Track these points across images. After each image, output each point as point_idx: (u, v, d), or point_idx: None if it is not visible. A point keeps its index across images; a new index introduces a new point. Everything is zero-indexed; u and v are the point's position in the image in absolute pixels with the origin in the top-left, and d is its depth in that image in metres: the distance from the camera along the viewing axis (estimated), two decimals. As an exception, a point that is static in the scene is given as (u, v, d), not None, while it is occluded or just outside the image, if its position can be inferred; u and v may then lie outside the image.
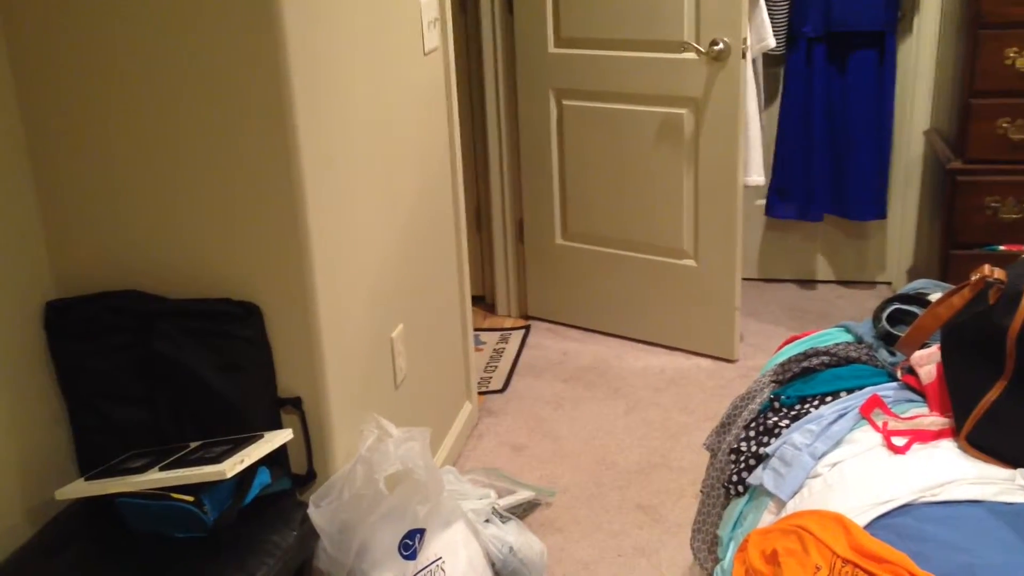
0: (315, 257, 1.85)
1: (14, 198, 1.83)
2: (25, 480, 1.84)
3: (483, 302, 3.78)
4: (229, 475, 1.69)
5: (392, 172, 2.24)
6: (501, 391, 3.17)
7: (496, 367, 3.33)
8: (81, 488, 1.82)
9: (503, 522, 2.18)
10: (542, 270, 3.62)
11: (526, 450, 2.80)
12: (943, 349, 1.54)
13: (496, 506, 2.22)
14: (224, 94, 1.74)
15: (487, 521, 2.13)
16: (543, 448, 2.81)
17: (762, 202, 3.71)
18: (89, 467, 1.91)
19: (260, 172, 1.78)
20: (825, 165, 3.55)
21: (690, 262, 3.26)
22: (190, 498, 1.69)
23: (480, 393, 3.08)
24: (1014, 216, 2.96)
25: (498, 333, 3.59)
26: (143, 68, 1.76)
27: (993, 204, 2.96)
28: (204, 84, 1.74)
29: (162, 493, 1.73)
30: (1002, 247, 3.00)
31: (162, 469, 1.76)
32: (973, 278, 1.49)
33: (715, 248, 3.18)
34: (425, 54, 2.42)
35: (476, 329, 3.38)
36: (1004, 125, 2.91)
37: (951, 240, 3.05)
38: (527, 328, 3.63)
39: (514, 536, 2.11)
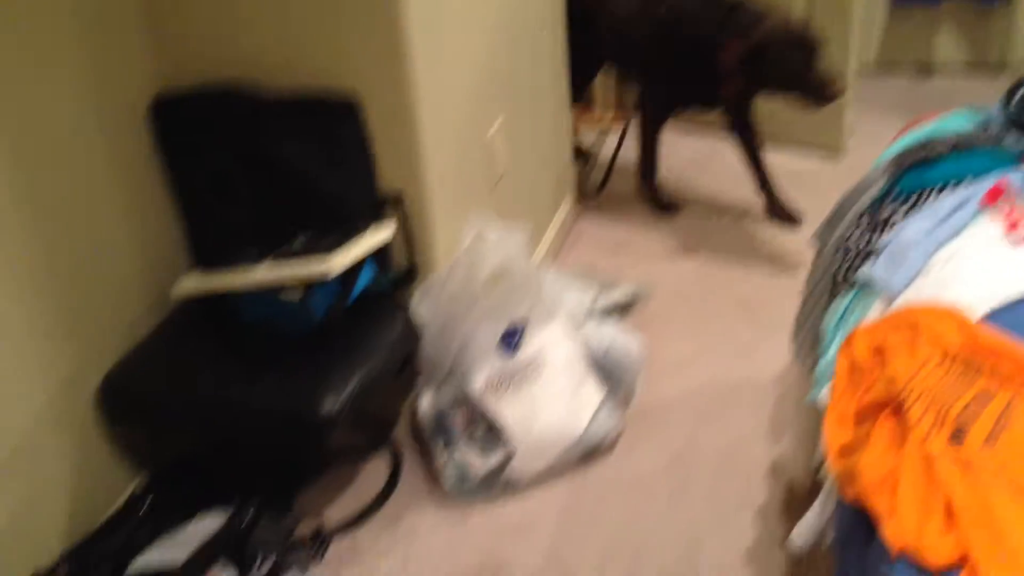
0: (414, 49, 1.80)
1: None
2: (143, 275, 1.91)
3: (580, 100, 3.66)
4: (334, 274, 1.72)
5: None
6: (600, 189, 3.13)
7: (594, 164, 3.27)
8: (195, 283, 1.89)
9: (603, 320, 2.19)
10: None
11: (624, 249, 2.78)
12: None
13: (595, 303, 2.23)
14: None
15: (587, 318, 2.14)
16: (641, 247, 2.78)
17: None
18: (202, 260, 1.98)
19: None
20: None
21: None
22: (298, 295, 1.74)
23: (578, 190, 3.04)
24: None
25: (596, 131, 3.50)
26: None
27: None
28: None
29: (272, 290, 1.78)
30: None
31: (271, 264, 1.81)
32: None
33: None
34: None
35: (574, 126, 3.29)
36: None
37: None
38: (625, 125, 3.52)
39: (612, 333, 2.13)
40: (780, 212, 2.77)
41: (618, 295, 2.44)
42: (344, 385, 1.72)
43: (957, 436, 1.04)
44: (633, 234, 2.85)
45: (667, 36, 2.62)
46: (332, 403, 1.68)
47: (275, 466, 1.88)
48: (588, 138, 3.43)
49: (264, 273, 1.78)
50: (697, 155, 3.27)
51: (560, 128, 2.80)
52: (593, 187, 3.13)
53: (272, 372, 1.78)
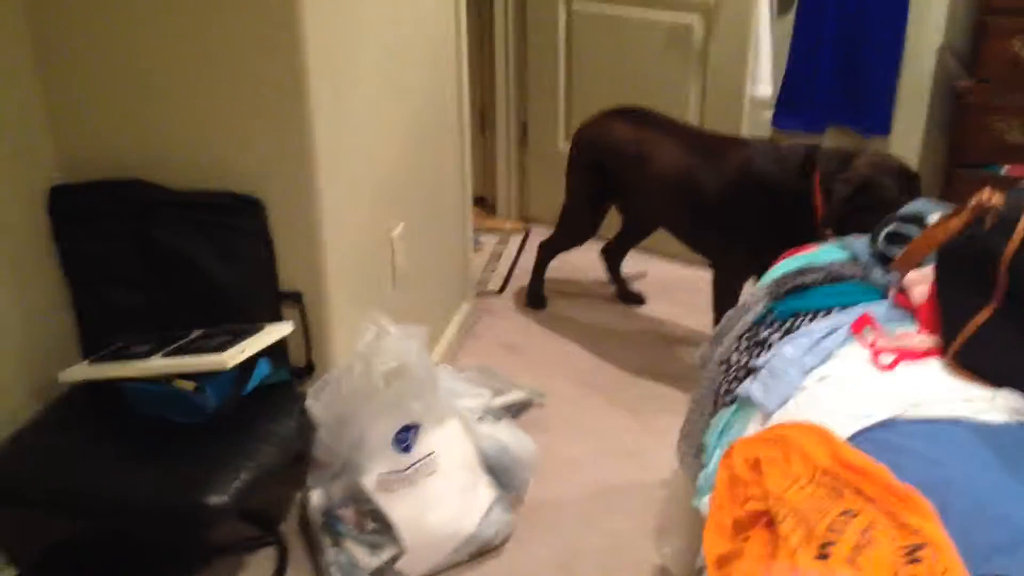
0: (319, 152, 1.85)
1: (18, 82, 1.82)
2: (29, 361, 1.88)
3: (484, 204, 3.78)
4: (230, 365, 1.72)
5: (397, 71, 2.22)
6: (499, 292, 3.21)
7: (495, 269, 3.36)
8: (85, 371, 1.86)
9: (496, 421, 2.23)
10: (544, 173, 3.61)
11: (521, 351, 2.85)
12: (937, 271, 1.56)
13: (490, 405, 2.28)
14: None
15: (480, 419, 2.18)
16: (538, 350, 2.86)
17: (768, 114, 3.67)
18: (92, 351, 1.95)
19: (266, 66, 1.77)
20: (835, 78, 3.51)
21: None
22: (192, 385, 1.73)
23: (478, 293, 3.11)
24: (1018, 138, 2.95)
25: (498, 235, 3.61)
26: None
27: (999, 124, 2.95)
28: None
29: (165, 379, 1.77)
30: (1005, 168, 3.00)
31: (164, 355, 1.80)
32: (971, 202, 1.50)
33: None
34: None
35: (476, 230, 3.39)
36: (1017, 46, 2.87)
37: (955, 159, 3.05)
38: (527, 231, 3.64)
39: (506, 434, 2.17)
40: None
41: (513, 396, 2.50)
42: (233, 477, 1.70)
43: (823, 551, 1.12)
44: (531, 336, 2.93)
45: (746, 199, 2.47)
46: (219, 495, 1.66)
47: (159, 558, 1.83)
48: (490, 241, 3.53)
49: (157, 363, 1.77)
50: (597, 265, 3.38)
51: (461, 231, 2.88)
52: (494, 290, 3.21)
53: (160, 462, 1.75)
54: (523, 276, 3.29)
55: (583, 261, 3.39)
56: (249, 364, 1.80)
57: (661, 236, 3.13)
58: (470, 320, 2.97)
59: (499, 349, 2.86)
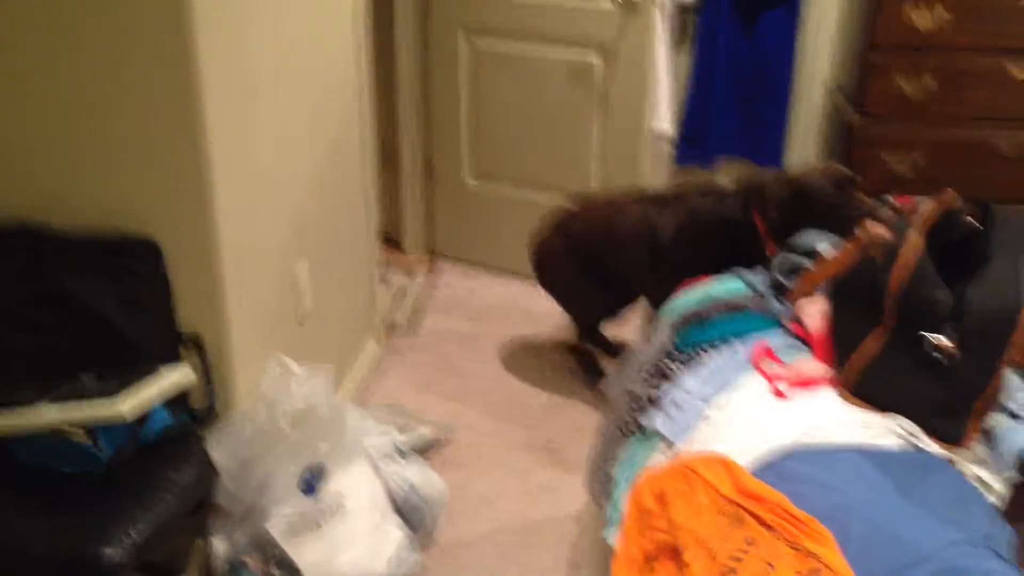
0: (217, 192, 1.81)
1: None
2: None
3: (390, 240, 3.76)
4: (129, 418, 1.67)
5: (299, 106, 2.20)
6: (406, 329, 3.19)
7: (402, 305, 3.34)
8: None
9: (405, 459, 2.21)
10: (450, 209, 3.62)
11: (430, 388, 2.83)
12: (830, 301, 1.62)
13: (398, 443, 2.25)
14: (125, 22, 1.68)
15: (389, 458, 2.15)
16: (448, 386, 2.84)
17: (669, 148, 3.76)
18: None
19: (161, 104, 1.73)
20: (730, 113, 3.62)
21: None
22: (85, 437, 1.67)
23: (385, 331, 3.09)
24: (905, 171, 3.08)
25: (404, 271, 3.59)
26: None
27: (887, 158, 3.08)
28: (105, 11, 1.68)
29: (54, 430, 1.70)
30: (892, 199, 3.13)
31: (54, 401, 1.73)
32: (858, 235, 1.56)
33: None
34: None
35: (382, 267, 3.36)
36: (900, 82, 3.01)
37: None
38: (434, 266, 3.63)
39: (415, 473, 2.15)
40: None
41: (422, 433, 2.47)
42: (131, 529, 1.64)
43: (726, 579, 1.13)
44: (440, 373, 2.91)
45: (695, 239, 2.52)
46: (115, 548, 1.60)
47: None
48: (398, 279, 3.51)
49: (47, 412, 1.70)
50: (505, 300, 3.40)
51: (367, 268, 2.86)
52: (401, 327, 3.19)
53: (52, 514, 1.67)
54: (431, 311, 3.28)
55: (502, 298, 3.40)
56: (143, 412, 1.74)
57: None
58: (378, 358, 2.95)
59: (408, 386, 2.84)
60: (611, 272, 2.68)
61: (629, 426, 1.72)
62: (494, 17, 3.23)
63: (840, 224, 2.30)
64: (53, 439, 1.69)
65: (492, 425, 2.64)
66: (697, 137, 3.67)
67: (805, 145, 3.71)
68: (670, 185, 2.70)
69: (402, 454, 2.22)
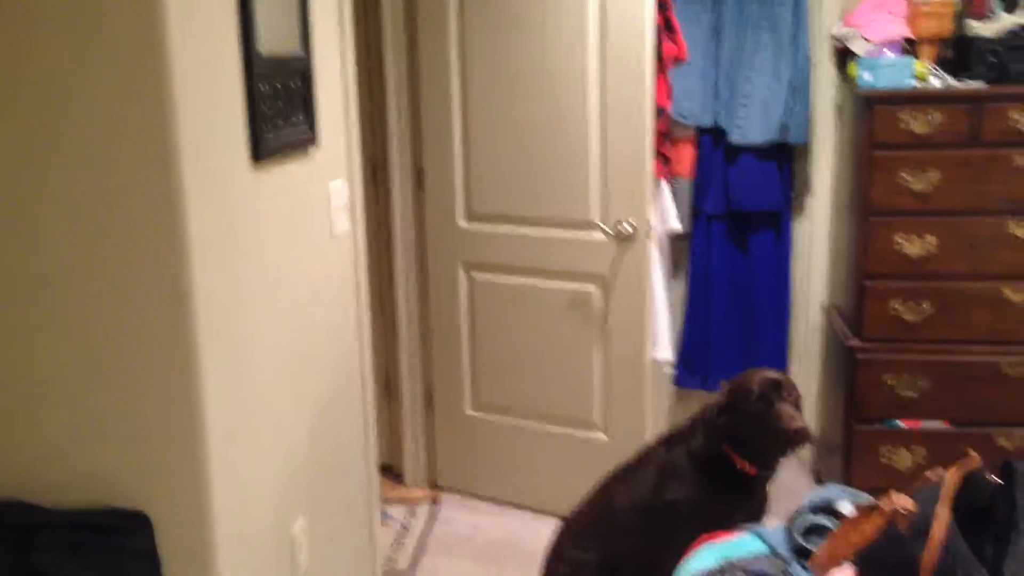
0: (211, 460, 1.75)
1: None
2: None
3: (391, 472, 3.68)
4: None
5: (298, 356, 2.18)
6: (407, 572, 3.05)
7: (403, 543, 3.22)
8: None
9: None
10: (452, 440, 3.56)
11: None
12: (858, 573, 1.54)
13: None
14: (118, 268, 1.66)
15: None
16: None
17: (672, 370, 3.75)
18: None
19: (155, 372, 1.69)
20: (729, 338, 3.63)
21: (600, 435, 3.25)
22: None
23: (385, 573, 2.95)
24: (910, 393, 3.06)
25: (406, 506, 3.48)
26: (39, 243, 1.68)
27: (891, 382, 3.06)
28: (97, 262, 1.66)
29: None
30: (901, 423, 3.09)
31: None
32: (883, 505, 1.50)
33: (624, 421, 3.18)
34: (334, 235, 2.40)
35: (384, 501, 3.27)
36: (897, 307, 3.04)
37: (853, 414, 3.13)
38: (436, 500, 3.53)
39: None
40: None
41: None
42: None
43: None
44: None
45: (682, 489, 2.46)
46: None
47: None
48: (399, 514, 3.40)
49: None
50: (509, 536, 3.28)
51: (367, 515, 2.76)
52: (403, 568, 3.06)
53: None
54: (434, 550, 3.16)
55: (505, 533, 3.29)
56: None
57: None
58: (380, 608, 2.80)
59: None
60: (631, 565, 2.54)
61: None
62: (492, 253, 3.30)
63: (766, 435, 2.29)
64: None
65: None
66: (696, 362, 3.67)
67: (806, 368, 3.71)
68: (638, 450, 2.63)
69: None
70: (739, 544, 1.85)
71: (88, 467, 1.76)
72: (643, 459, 2.55)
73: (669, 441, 2.50)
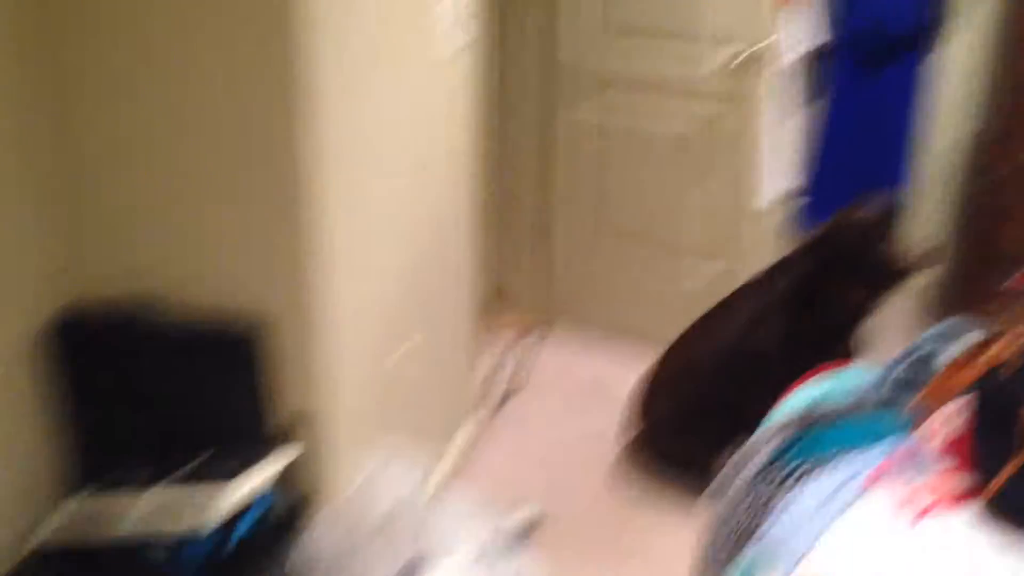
0: (325, 274, 1.80)
1: (26, 201, 1.78)
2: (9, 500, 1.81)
3: (498, 300, 3.68)
4: (209, 527, 1.67)
5: (408, 174, 2.16)
6: (510, 399, 3.09)
7: (507, 372, 3.25)
8: (55, 534, 1.78)
9: (501, 549, 2.12)
10: (568, 267, 3.52)
11: (529, 469, 2.72)
12: (972, 407, 1.45)
13: (496, 533, 2.17)
14: (239, 102, 1.69)
15: (488, 550, 2.07)
16: (546, 470, 2.73)
17: (797, 204, 3.60)
18: (88, 478, 1.90)
19: (272, 183, 1.73)
20: (858, 169, 3.43)
21: (724, 265, 3.15)
22: (163, 556, 1.67)
23: (486, 406, 3.00)
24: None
25: (512, 333, 3.50)
26: (161, 69, 1.71)
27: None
28: (221, 93, 1.69)
29: (138, 547, 1.70)
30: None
31: (162, 484, 1.75)
32: (1005, 333, 1.39)
33: (748, 249, 3.07)
34: (450, 49, 2.32)
35: (490, 330, 3.29)
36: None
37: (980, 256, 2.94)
38: (544, 328, 3.54)
39: (513, 563, 2.06)
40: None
41: (522, 518, 2.39)
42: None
43: None
44: (540, 453, 2.81)
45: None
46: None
47: None
48: (502, 344, 3.42)
49: (141, 515, 1.70)
50: (614, 371, 3.26)
51: (466, 345, 2.78)
52: (503, 400, 3.10)
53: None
54: (537, 383, 3.18)
55: (610, 368, 3.28)
56: (236, 514, 1.73)
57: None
58: (477, 434, 2.86)
59: (508, 468, 2.73)
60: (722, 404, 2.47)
61: (740, 533, 1.58)
62: (620, 68, 3.15)
63: (869, 270, 2.14)
64: (137, 557, 1.69)
65: (592, 512, 2.52)
66: (824, 197, 3.49)
67: (933, 201, 3.48)
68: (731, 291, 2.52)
69: (501, 545, 2.13)
70: (838, 382, 1.77)
71: (209, 276, 1.84)
72: (728, 303, 2.47)
73: (757, 284, 2.40)
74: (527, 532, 2.40)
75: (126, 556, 1.70)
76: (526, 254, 3.57)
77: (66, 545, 1.77)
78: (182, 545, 1.68)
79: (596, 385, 3.17)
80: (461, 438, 2.74)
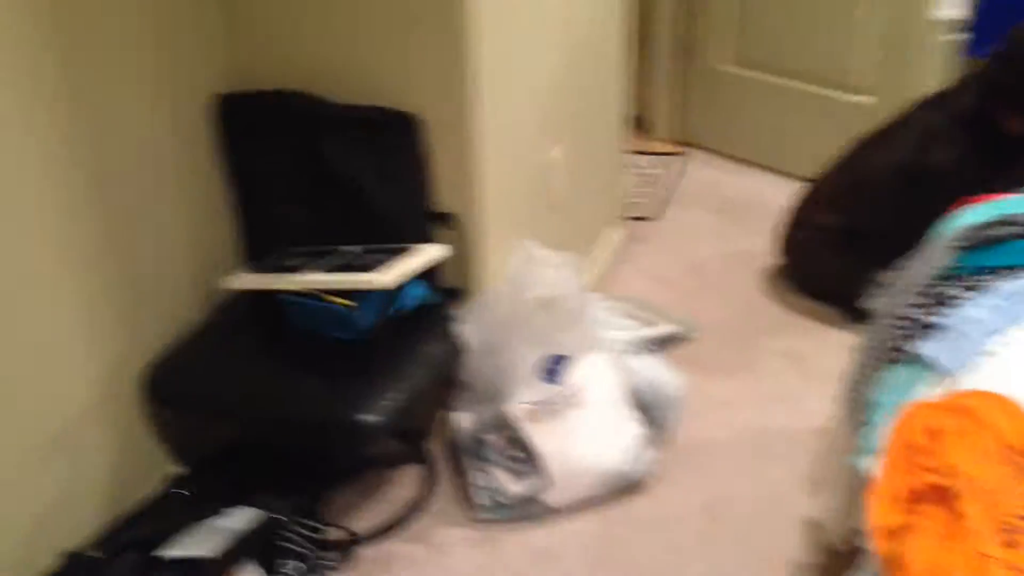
0: (479, 72, 1.81)
1: None
2: (194, 265, 1.94)
3: (640, 124, 3.66)
4: (392, 286, 1.73)
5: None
6: (651, 218, 3.12)
7: (648, 193, 3.27)
8: (248, 281, 1.91)
9: (646, 355, 2.18)
10: (706, 95, 3.46)
11: (672, 282, 2.77)
12: None
13: (639, 338, 2.23)
14: None
15: (630, 353, 2.14)
16: (689, 281, 2.77)
17: (962, 35, 3.39)
18: (255, 258, 2.01)
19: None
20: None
21: (867, 98, 3.03)
22: (349, 302, 1.76)
23: (630, 218, 3.03)
24: None
25: (653, 157, 3.50)
26: None
27: None
28: None
29: (322, 294, 1.80)
30: None
31: (324, 270, 1.82)
32: None
33: (897, 86, 2.94)
34: None
35: (632, 152, 3.28)
36: None
37: None
38: (683, 154, 3.51)
39: (656, 370, 2.12)
40: None
41: (665, 329, 2.43)
42: (387, 395, 1.73)
43: (1010, 539, 1.03)
44: (682, 267, 2.84)
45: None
46: (374, 414, 1.70)
47: (310, 469, 1.89)
48: (646, 164, 3.42)
49: (315, 278, 1.80)
50: (755, 194, 3.25)
51: (616, 152, 2.79)
52: (645, 215, 3.12)
53: (316, 377, 1.79)
54: (677, 202, 3.19)
55: (751, 191, 3.26)
56: (403, 284, 1.80)
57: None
58: (620, 246, 2.91)
59: (650, 278, 2.78)
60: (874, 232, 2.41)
61: (894, 350, 1.59)
62: None
63: None
64: (320, 304, 1.79)
65: (733, 326, 2.56)
66: (991, 26, 3.27)
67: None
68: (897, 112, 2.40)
69: (643, 350, 2.20)
70: (1014, 202, 1.72)
71: (364, 69, 1.87)
72: (903, 121, 2.38)
73: (933, 102, 2.30)
74: (671, 341, 2.45)
75: (311, 301, 1.81)
76: (666, 82, 3.51)
77: (254, 295, 1.91)
78: (360, 297, 1.77)
79: (741, 203, 3.16)
80: (606, 247, 2.79)
